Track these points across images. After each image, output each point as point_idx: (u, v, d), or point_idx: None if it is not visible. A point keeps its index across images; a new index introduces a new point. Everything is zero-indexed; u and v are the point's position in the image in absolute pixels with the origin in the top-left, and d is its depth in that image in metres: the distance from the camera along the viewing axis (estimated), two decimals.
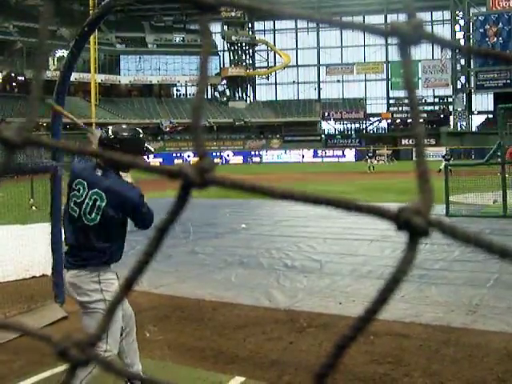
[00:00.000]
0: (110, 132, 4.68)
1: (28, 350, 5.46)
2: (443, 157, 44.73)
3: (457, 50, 0.56)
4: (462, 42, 76.10)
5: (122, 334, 4.82)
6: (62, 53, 63.76)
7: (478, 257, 10.02)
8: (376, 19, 78.63)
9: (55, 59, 69.60)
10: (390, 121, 78.89)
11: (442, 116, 77.86)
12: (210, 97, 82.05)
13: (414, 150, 0.58)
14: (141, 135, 4.82)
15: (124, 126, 4.93)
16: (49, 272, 7.87)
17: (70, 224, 4.64)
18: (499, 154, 16.51)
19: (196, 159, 0.56)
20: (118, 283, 4.59)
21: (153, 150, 5.22)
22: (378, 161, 58.38)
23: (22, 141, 0.57)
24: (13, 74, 69.03)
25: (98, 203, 4.49)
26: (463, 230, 0.54)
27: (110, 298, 4.50)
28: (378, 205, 0.55)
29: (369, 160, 49.95)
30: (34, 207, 14.90)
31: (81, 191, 4.55)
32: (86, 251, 4.56)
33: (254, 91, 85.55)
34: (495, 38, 71.61)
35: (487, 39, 71.43)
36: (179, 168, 0.55)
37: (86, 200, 4.52)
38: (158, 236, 0.58)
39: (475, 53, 0.64)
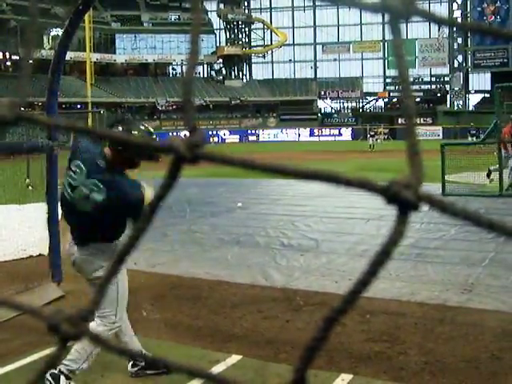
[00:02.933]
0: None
1: (26, 329, 5.48)
2: (469, 133, 47.31)
3: (450, 27, 0.56)
4: (459, 21, 75.72)
5: None
6: (57, 31, 63.33)
7: (473, 236, 10.05)
8: None
9: (50, 38, 69.11)
10: (386, 100, 78.75)
11: (438, 95, 77.74)
12: (205, 75, 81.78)
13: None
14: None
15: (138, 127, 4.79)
16: (46, 251, 7.88)
17: (64, 204, 4.63)
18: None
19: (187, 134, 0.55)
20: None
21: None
22: (376, 140, 58.60)
23: (14, 117, 0.57)
24: (7, 53, 68.52)
25: (94, 195, 4.32)
26: (452, 204, 0.53)
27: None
28: (368, 179, 0.55)
29: (370, 139, 50.23)
30: (30, 187, 14.91)
31: (77, 175, 4.38)
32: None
33: (251, 70, 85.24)
34: (493, 17, 71.32)
35: (485, 18, 71.10)
36: (170, 143, 0.55)
37: (82, 187, 4.36)
38: (150, 211, 0.57)
39: (469, 29, 0.63)
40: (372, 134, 53.18)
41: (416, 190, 0.53)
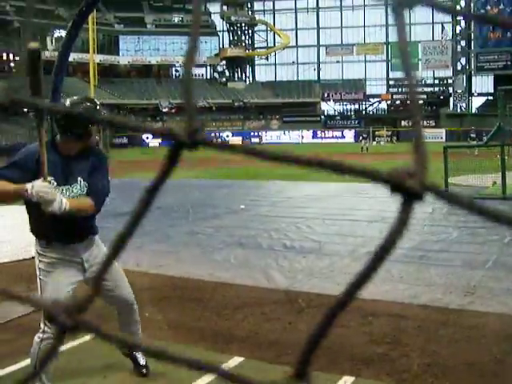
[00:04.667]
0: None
1: (29, 329, 5.48)
2: (469, 137, 47.32)
3: (454, 15, 0.55)
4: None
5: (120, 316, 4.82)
6: (60, 33, 63.37)
7: (476, 238, 10.04)
8: None
9: (53, 39, 69.21)
10: (389, 102, 78.64)
11: (441, 97, 77.58)
12: (209, 77, 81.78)
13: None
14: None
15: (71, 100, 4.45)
16: None
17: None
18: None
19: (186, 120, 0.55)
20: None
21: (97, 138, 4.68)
22: (377, 142, 59.15)
23: (9, 102, 0.57)
24: (10, 54, 68.53)
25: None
26: (458, 195, 0.52)
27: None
28: (371, 167, 0.54)
29: (363, 141, 51.36)
30: None
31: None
32: None
33: (254, 72, 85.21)
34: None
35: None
36: (170, 128, 0.55)
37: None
38: (147, 199, 0.57)
39: (473, 17, 0.63)
40: (364, 136, 54.36)
41: (421, 178, 0.51)
